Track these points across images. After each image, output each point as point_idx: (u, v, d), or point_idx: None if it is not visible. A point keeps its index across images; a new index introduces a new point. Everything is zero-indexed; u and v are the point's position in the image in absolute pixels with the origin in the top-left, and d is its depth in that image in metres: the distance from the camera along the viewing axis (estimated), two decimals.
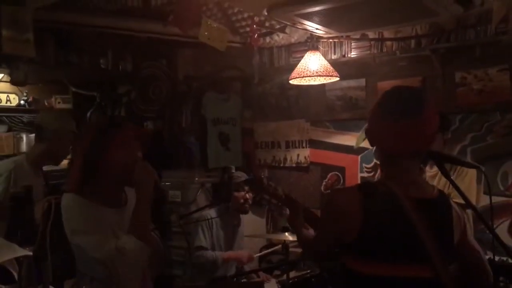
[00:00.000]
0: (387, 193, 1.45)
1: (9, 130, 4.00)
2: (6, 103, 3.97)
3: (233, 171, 3.40)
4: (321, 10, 2.77)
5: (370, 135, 1.58)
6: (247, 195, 3.42)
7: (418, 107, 1.46)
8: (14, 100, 4.00)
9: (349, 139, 4.15)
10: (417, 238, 1.40)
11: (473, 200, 2.67)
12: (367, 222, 1.44)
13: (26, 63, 2.74)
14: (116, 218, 1.71)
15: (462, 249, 1.47)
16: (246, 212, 3.51)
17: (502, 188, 3.42)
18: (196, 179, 4.20)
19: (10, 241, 1.25)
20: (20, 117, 4.02)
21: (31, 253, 1.21)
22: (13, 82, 2.40)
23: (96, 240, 1.55)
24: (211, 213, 3.45)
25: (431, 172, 2.86)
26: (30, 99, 4.07)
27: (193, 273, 3.47)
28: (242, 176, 3.51)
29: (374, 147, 4.28)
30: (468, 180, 2.67)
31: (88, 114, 4.24)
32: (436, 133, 1.51)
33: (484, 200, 3.45)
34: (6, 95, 3.95)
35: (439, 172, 2.66)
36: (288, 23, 3.16)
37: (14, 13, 1.77)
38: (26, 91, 4.06)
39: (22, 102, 4.02)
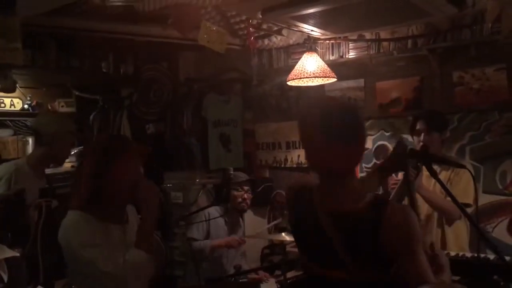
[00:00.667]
0: (308, 199, 1.50)
1: (14, 134, 4.08)
2: (10, 107, 4.04)
3: (231, 172, 3.43)
4: (315, 12, 2.79)
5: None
6: (245, 195, 3.49)
7: (351, 132, 1.42)
8: (18, 105, 4.06)
9: None
10: (329, 244, 1.44)
11: (471, 199, 2.69)
12: (293, 219, 1.61)
13: (21, 69, 2.79)
14: (120, 234, 1.77)
15: (402, 261, 1.40)
16: (244, 211, 3.57)
17: (500, 187, 3.43)
18: (198, 180, 4.24)
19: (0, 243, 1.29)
20: (24, 121, 4.08)
21: (18, 254, 1.25)
22: (1, 89, 2.48)
23: (106, 253, 1.61)
24: (211, 212, 3.48)
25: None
26: (34, 103, 4.13)
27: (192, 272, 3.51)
28: (243, 176, 3.57)
29: (374, 147, 4.31)
30: (466, 179, 2.68)
31: (91, 117, 4.31)
32: (358, 155, 1.48)
33: (484, 199, 3.46)
34: (10, 99, 4.01)
35: (449, 175, 2.71)
36: (283, 25, 3.19)
37: (2, 22, 1.82)
38: (30, 95, 4.13)
39: (26, 106, 4.08)
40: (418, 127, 2.80)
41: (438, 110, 3.21)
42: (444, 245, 2.77)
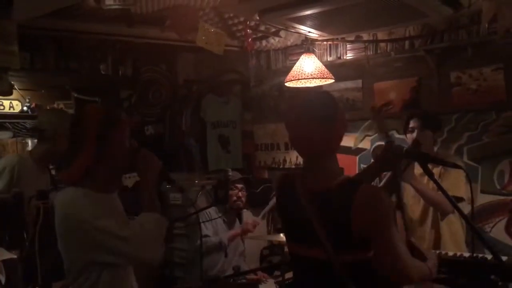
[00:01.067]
0: (290, 185, 1.64)
1: (13, 136, 4.09)
2: (10, 109, 4.04)
3: (230, 173, 3.45)
4: (313, 13, 2.81)
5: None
6: (240, 193, 3.53)
7: (307, 113, 1.57)
8: (17, 107, 4.07)
9: (347, 140, 4.17)
10: (309, 224, 1.53)
11: (462, 192, 2.72)
12: (278, 204, 1.75)
13: (20, 72, 2.80)
14: (118, 202, 1.80)
15: (374, 242, 1.47)
16: (240, 209, 3.59)
17: (498, 187, 3.44)
18: (197, 181, 4.24)
19: None
20: (23, 123, 4.08)
21: (15, 256, 1.26)
22: None
23: (118, 221, 1.62)
24: (211, 212, 3.50)
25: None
26: (33, 105, 4.13)
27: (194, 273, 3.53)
28: (236, 175, 3.61)
29: (372, 148, 4.31)
30: (456, 172, 2.71)
31: None
32: (331, 136, 1.59)
33: (482, 199, 3.47)
34: (9, 101, 4.01)
35: (439, 171, 2.72)
36: (281, 27, 3.20)
37: None
38: (29, 97, 4.14)
39: (25, 108, 4.08)
40: (411, 125, 2.83)
41: (430, 111, 3.24)
42: (438, 244, 2.78)
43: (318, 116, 1.56)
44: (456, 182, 2.70)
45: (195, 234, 3.44)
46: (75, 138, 1.74)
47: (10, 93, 2.61)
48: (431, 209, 2.83)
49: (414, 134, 2.81)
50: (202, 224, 3.39)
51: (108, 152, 1.72)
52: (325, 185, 1.56)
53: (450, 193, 2.36)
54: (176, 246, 3.93)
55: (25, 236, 1.38)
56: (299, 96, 1.70)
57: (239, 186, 3.55)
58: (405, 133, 2.93)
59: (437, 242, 2.80)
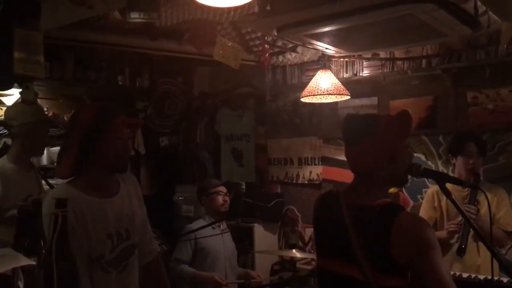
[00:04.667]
0: (333, 199, 1.70)
1: None
2: None
3: (243, 186, 3.46)
4: (330, 30, 2.81)
5: None
6: (225, 197, 3.56)
7: (356, 137, 1.65)
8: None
9: None
10: (348, 239, 1.53)
11: None
12: (316, 220, 1.78)
13: (39, 81, 2.81)
14: (110, 207, 1.81)
15: (415, 269, 1.46)
16: (226, 213, 3.56)
17: None
18: (198, 198, 4.24)
19: (17, 252, 1.32)
20: None
21: (34, 263, 1.27)
22: (23, 101, 2.49)
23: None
24: (207, 230, 3.46)
25: (464, 192, 2.88)
26: (51, 114, 4.20)
27: None
28: (216, 182, 3.69)
29: None
30: (505, 203, 2.76)
31: None
32: (379, 158, 1.61)
33: None
34: None
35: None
36: (298, 43, 3.22)
37: (26, 37, 1.88)
38: (47, 106, 4.20)
39: None
40: (470, 148, 2.82)
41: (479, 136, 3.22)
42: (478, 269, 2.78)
43: (350, 138, 1.67)
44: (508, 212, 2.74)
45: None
46: (67, 135, 1.80)
47: (35, 102, 2.61)
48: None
49: (471, 160, 2.80)
50: (182, 246, 3.40)
51: (97, 152, 1.75)
52: (368, 201, 1.58)
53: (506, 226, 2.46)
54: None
55: (42, 243, 1.39)
56: (347, 116, 1.80)
57: (224, 190, 3.58)
58: (453, 154, 2.91)
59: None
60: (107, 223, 1.80)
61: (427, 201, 3.01)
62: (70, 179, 1.83)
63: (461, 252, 2.76)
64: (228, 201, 3.57)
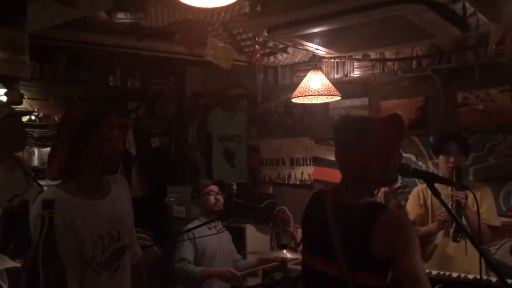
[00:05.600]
0: (320, 198, 1.73)
1: None
2: None
3: (234, 187, 3.44)
4: (320, 31, 2.82)
5: None
6: (217, 196, 3.56)
7: (349, 140, 1.65)
8: (25, 116, 4.11)
9: None
10: (329, 237, 1.55)
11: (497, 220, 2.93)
12: (303, 218, 1.82)
13: (29, 81, 2.76)
14: (101, 209, 1.80)
15: (393, 266, 1.45)
16: (218, 212, 3.56)
17: (504, 209, 3.40)
18: (191, 197, 4.23)
19: (2, 253, 1.31)
20: (31, 132, 4.11)
21: (19, 265, 1.26)
22: (9, 101, 2.46)
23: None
24: (202, 230, 3.45)
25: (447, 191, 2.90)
26: (41, 114, 4.18)
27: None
28: (207, 182, 3.69)
29: None
30: (486, 199, 2.78)
31: None
32: (373, 162, 1.61)
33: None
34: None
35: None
36: (289, 44, 3.22)
37: (11, 37, 1.87)
38: (37, 107, 4.18)
39: (33, 117, 4.12)
40: (449, 148, 2.84)
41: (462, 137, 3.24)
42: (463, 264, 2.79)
43: (343, 141, 1.67)
44: (490, 208, 2.76)
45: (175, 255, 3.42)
46: (56, 136, 1.79)
47: (20, 103, 2.57)
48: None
49: (451, 159, 2.83)
50: (184, 246, 3.39)
51: (87, 153, 1.75)
52: (350, 201, 1.60)
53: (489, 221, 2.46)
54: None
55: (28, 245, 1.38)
56: (340, 119, 1.86)
57: (216, 189, 3.58)
58: (436, 153, 2.94)
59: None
60: (98, 225, 1.80)
61: (414, 198, 3.05)
62: (60, 181, 1.83)
63: (456, 236, 2.75)
64: (222, 200, 3.57)
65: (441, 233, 2.96)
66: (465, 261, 2.81)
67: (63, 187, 1.78)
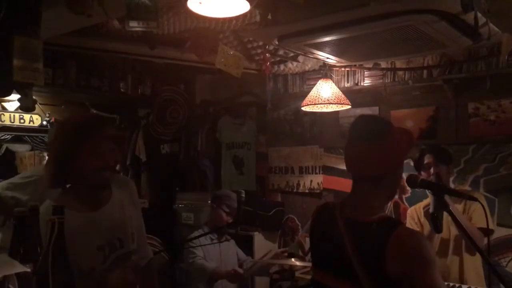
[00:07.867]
0: (330, 212, 1.65)
1: (31, 149, 4.16)
2: (29, 123, 4.13)
3: (243, 194, 3.44)
4: (331, 40, 2.82)
5: None
6: (228, 217, 3.57)
7: (367, 135, 1.57)
8: (37, 121, 4.16)
9: None
10: (343, 254, 1.50)
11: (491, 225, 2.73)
12: (312, 232, 1.76)
13: (42, 87, 2.78)
14: (99, 219, 1.79)
15: (412, 282, 1.42)
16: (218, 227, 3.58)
17: None
18: (209, 202, 4.25)
19: (13, 258, 1.32)
20: (42, 137, 4.17)
21: (29, 270, 1.27)
22: (22, 108, 2.49)
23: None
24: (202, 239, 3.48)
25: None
26: (52, 119, 4.22)
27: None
28: (232, 194, 3.66)
29: None
30: (479, 206, 2.70)
31: None
32: (390, 164, 1.58)
33: (498, 232, 3.40)
34: (29, 116, 4.11)
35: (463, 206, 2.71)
36: (299, 52, 3.23)
37: (26, 44, 1.90)
38: (49, 112, 4.23)
39: (44, 122, 4.17)
40: (426, 161, 2.81)
41: (440, 145, 3.20)
42: (462, 276, 2.73)
43: (363, 135, 1.57)
44: (482, 215, 2.68)
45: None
46: (49, 147, 1.81)
47: (33, 109, 2.61)
48: (452, 241, 2.79)
49: (431, 171, 2.80)
50: (194, 249, 3.42)
51: (71, 167, 1.73)
52: (365, 218, 1.54)
53: (477, 226, 2.40)
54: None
55: (38, 250, 1.39)
56: (360, 116, 1.69)
57: (231, 212, 3.57)
58: (418, 169, 2.90)
59: (461, 272, 2.75)
60: (97, 236, 1.78)
61: (411, 217, 2.98)
62: (59, 194, 1.83)
63: (437, 226, 2.63)
64: (229, 221, 3.58)
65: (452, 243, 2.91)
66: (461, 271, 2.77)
67: (59, 201, 1.73)
